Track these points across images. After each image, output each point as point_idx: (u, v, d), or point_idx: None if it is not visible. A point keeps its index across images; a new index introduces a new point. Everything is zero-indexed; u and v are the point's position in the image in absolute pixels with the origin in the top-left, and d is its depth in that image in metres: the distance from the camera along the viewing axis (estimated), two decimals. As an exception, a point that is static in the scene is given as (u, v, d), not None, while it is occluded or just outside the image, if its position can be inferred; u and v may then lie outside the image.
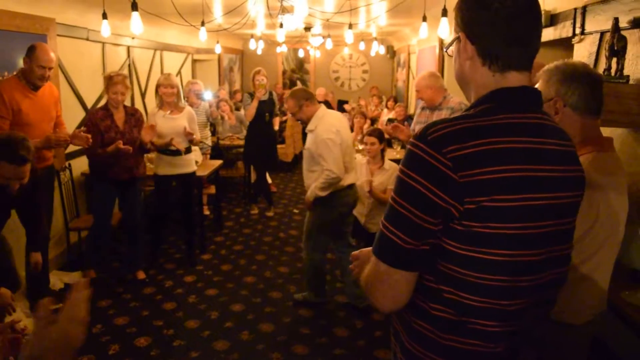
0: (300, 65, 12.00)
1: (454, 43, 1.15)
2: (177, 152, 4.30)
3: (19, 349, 1.86)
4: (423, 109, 4.29)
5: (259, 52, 8.74)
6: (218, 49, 7.58)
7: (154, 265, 4.55)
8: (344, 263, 3.77)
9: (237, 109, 7.52)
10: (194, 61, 8.90)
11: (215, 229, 5.61)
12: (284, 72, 12.00)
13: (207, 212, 6.01)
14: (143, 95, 6.60)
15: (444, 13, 3.79)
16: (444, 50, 1.25)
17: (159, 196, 4.53)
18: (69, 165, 4.59)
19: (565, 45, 3.21)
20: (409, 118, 6.72)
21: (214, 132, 7.07)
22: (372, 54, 8.60)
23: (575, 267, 1.58)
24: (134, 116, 4.04)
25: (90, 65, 5.19)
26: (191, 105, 5.46)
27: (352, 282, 3.74)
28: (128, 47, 6.11)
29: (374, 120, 8.36)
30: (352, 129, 6.85)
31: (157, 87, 4.38)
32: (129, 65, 6.17)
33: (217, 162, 5.46)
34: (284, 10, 4.83)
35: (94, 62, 5.33)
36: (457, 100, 4.04)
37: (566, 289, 1.51)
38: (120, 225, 4.46)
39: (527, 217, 1.02)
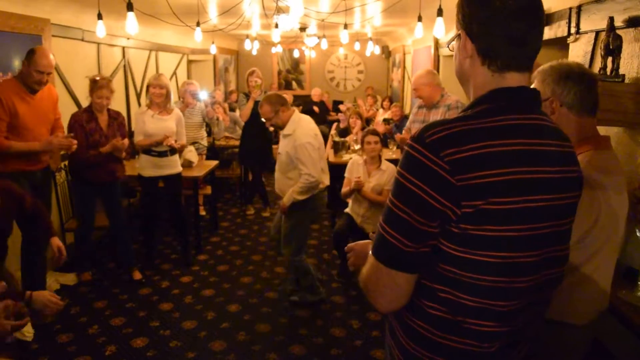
0: (296, 66, 11.99)
1: (455, 40, 1.14)
2: (163, 153, 4.29)
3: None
4: (420, 107, 4.28)
5: (254, 52, 8.72)
6: (213, 50, 7.56)
7: (150, 266, 4.54)
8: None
9: (233, 109, 7.51)
10: (190, 62, 8.88)
11: (211, 229, 5.60)
12: (279, 73, 11.99)
13: (203, 213, 6.00)
14: (138, 95, 6.57)
15: (439, 13, 3.79)
16: (446, 46, 1.24)
17: (146, 197, 4.55)
18: (65, 166, 4.56)
19: (560, 44, 3.22)
20: (404, 118, 6.72)
21: (209, 133, 7.05)
22: (368, 54, 8.60)
23: (576, 267, 1.57)
24: (116, 120, 4.01)
25: (85, 65, 5.16)
26: (187, 105, 5.45)
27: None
28: (123, 48, 6.09)
29: (369, 121, 8.36)
30: (347, 130, 6.86)
31: (147, 86, 4.38)
32: (124, 65, 6.15)
33: (213, 163, 5.44)
34: (279, 10, 4.82)
35: (89, 63, 5.31)
36: (454, 98, 4.04)
37: (568, 289, 1.51)
38: (109, 227, 4.43)
39: (525, 219, 1.02)
